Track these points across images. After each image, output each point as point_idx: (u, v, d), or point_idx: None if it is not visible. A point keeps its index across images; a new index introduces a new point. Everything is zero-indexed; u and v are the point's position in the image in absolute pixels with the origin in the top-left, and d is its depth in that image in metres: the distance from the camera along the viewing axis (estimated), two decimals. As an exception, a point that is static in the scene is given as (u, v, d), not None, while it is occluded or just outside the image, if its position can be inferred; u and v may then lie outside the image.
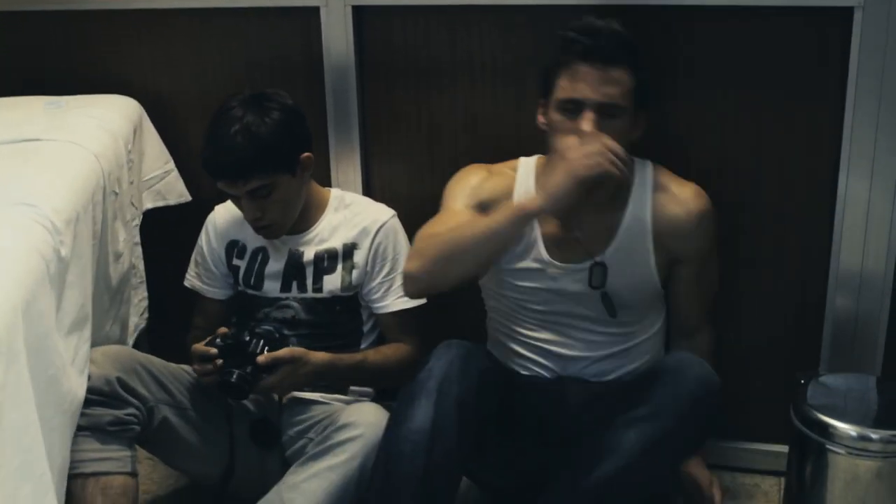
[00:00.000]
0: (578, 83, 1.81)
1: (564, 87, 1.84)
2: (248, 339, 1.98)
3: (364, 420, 1.94)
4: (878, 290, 2.12)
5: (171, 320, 2.31)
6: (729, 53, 2.10)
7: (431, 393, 1.75)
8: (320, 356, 2.03)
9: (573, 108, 1.82)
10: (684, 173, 2.06)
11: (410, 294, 2.00)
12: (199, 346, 1.99)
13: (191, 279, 2.26)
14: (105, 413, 1.90)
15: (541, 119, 1.93)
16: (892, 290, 2.12)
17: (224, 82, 2.38)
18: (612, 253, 1.94)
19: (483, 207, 1.95)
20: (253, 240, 2.18)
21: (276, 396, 2.10)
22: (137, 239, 2.26)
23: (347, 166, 2.34)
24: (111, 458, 1.89)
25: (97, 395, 1.87)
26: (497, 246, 1.83)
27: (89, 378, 1.85)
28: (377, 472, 1.79)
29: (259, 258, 2.17)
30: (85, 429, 1.85)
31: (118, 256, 2.12)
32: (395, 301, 2.14)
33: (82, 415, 1.80)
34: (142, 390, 1.98)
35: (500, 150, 2.11)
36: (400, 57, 2.28)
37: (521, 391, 2.01)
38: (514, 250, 1.96)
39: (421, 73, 2.28)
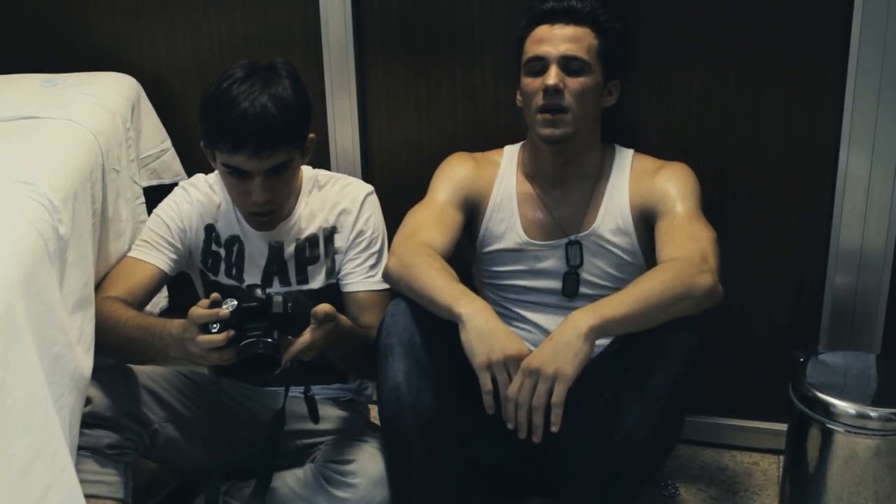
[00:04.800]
0: (542, 43, 1.93)
1: (529, 49, 1.95)
2: (263, 296, 1.71)
3: (364, 472, 1.90)
4: (878, 268, 2.12)
5: (170, 301, 2.29)
6: (729, 26, 2.09)
7: (394, 348, 1.79)
8: (345, 318, 1.87)
9: (540, 69, 1.91)
10: (683, 149, 2.07)
11: (392, 285, 1.95)
12: (201, 310, 1.70)
13: (136, 249, 2.04)
14: (104, 435, 1.86)
15: (518, 98, 2.02)
16: (892, 267, 2.12)
17: (222, 59, 2.36)
18: (589, 232, 1.99)
19: (467, 201, 2.03)
20: (225, 228, 2.04)
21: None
22: (144, 217, 2.20)
23: (345, 139, 2.33)
24: (105, 481, 1.86)
25: (98, 420, 1.84)
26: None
27: (90, 402, 1.82)
28: (385, 436, 1.87)
29: (235, 249, 2.04)
30: (84, 448, 1.82)
31: (119, 235, 2.09)
32: (366, 280, 2.03)
33: (82, 434, 1.76)
34: (144, 412, 1.93)
35: (497, 123, 2.11)
36: (398, 29, 2.27)
37: None
38: (494, 233, 2.03)
39: (419, 46, 2.27)
